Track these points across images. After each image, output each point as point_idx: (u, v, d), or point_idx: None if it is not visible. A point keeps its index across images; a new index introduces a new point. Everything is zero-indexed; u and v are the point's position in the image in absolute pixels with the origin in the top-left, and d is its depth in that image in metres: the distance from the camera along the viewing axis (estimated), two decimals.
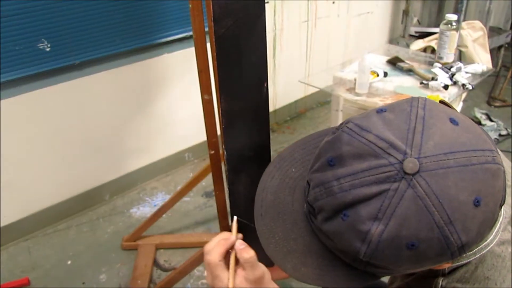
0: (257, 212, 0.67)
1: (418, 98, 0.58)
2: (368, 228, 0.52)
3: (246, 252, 0.70)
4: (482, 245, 0.64)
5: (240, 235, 0.75)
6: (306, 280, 0.62)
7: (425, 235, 0.51)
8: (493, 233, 0.64)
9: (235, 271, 0.71)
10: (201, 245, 2.28)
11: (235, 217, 0.79)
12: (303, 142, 0.72)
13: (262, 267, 0.71)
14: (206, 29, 1.53)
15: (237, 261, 0.72)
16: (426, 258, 0.54)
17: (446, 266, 0.58)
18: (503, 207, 0.67)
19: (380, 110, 0.58)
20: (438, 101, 0.62)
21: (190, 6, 1.47)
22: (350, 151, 0.55)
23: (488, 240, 0.63)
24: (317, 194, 0.57)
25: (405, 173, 0.51)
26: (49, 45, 2.11)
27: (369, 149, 0.53)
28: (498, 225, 0.65)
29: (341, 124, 0.60)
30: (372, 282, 0.61)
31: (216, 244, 0.72)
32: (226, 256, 0.73)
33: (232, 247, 0.73)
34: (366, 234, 0.53)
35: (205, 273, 2.15)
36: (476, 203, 0.52)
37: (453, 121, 0.55)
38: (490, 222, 0.56)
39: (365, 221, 0.52)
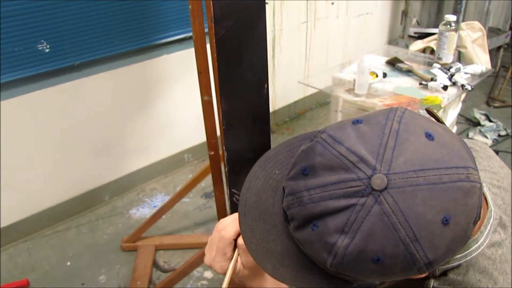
0: (241, 211, 0.67)
1: (396, 109, 0.58)
2: (334, 241, 0.53)
3: (241, 239, 0.72)
4: (472, 248, 0.64)
5: None
6: (284, 281, 0.63)
7: (390, 251, 0.51)
8: (483, 236, 0.64)
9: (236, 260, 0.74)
10: (200, 246, 2.28)
11: None
12: (288, 143, 0.73)
13: None
14: (206, 30, 1.53)
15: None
16: (392, 273, 0.54)
17: (420, 276, 0.58)
18: (492, 210, 0.68)
19: (356, 121, 0.57)
20: (425, 109, 0.61)
21: (190, 7, 1.47)
22: (322, 162, 0.55)
23: (478, 243, 0.63)
24: (289, 202, 0.58)
25: (373, 189, 0.51)
26: (48, 46, 2.11)
27: (340, 162, 0.53)
28: (489, 227, 0.65)
29: (318, 132, 0.60)
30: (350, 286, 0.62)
31: (233, 221, 0.73)
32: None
33: None
34: (333, 246, 0.53)
35: (207, 274, 2.15)
36: (445, 222, 0.51)
37: (429, 136, 0.54)
38: (461, 239, 0.55)
39: (332, 233, 0.53)
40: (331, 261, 0.54)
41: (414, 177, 0.51)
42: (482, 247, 0.64)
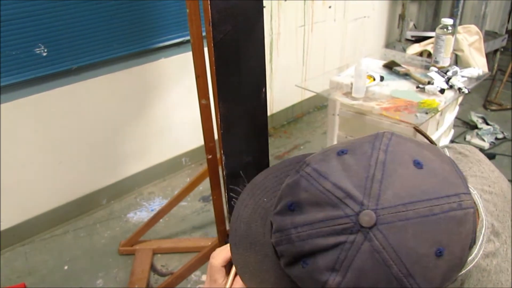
0: (232, 241, 0.66)
1: (382, 135, 0.56)
2: (326, 279, 0.51)
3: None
4: (467, 261, 0.62)
5: None
6: None
7: (383, 287, 0.50)
8: (477, 247, 0.63)
9: (234, 277, 0.73)
10: (198, 250, 2.27)
11: None
12: (275, 169, 0.71)
13: None
14: (204, 34, 1.53)
15: None
16: None
17: None
18: (484, 219, 0.66)
19: (341, 152, 0.55)
20: (413, 128, 0.60)
21: (188, 10, 1.47)
22: (308, 198, 0.54)
23: (472, 255, 0.62)
24: (278, 239, 0.57)
25: (362, 225, 0.49)
26: (46, 50, 2.11)
27: (326, 198, 0.52)
28: (481, 237, 0.63)
29: (302, 163, 0.59)
30: None
31: (223, 249, 0.73)
32: (228, 265, 0.73)
33: None
34: (324, 284, 0.52)
35: (204, 277, 2.15)
36: (438, 254, 0.50)
37: (417, 164, 0.53)
38: (457, 267, 0.54)
39: (323, 271, 0.52)
40: None
41: (403, 211, 0.49)
42: (477, 259, 0.63)
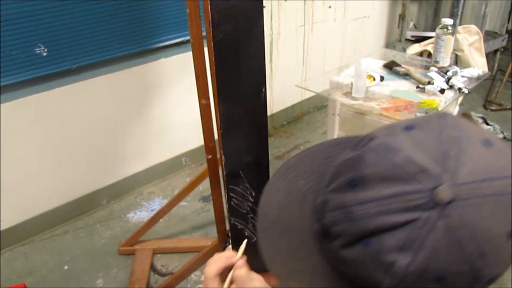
0: (260, 226, 0.62)
1: (446, 115, 0.53)
2: (393, 260, 0.48)
3: (238, 270, 0.71)
4: None
5: (245, 257, 0.75)
6: None
7: (455, 268, 0.47)
8: None
9: (230, 284, 0.72)
10: (198, 250, 2.27)
11: (245, 240, 0.79)
12: (311, 151, 0.67)
13: (252, 283, 0.71)
14: (204, 34, 1.53)
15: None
16: None
17: None
18: None
19: (408, 127, 0.52)
20: (462, 114, 0.59)
21: (188, 10, 1.47)
22: (375, 173, 0.50)
23: None
24: (335, 218, 0.53)
25: (437, 202, 0.47)
26: (45, 50, 2.11)
27: (396, 173, 0.49)
28: None
29: (362, 139, 0.55)
30: None
31: (217, 259, 0.72)
32: (224, 273, 0.72)
33: (232, 267, 0.73)
34: (391, 266, 0.48)
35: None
36: (511, 234, 0.48)
37: (486, 143, 0.50)
38: None
39: (390, 252, 0.48)
40: (389, 282, 0.49)
41: (479, 188, 0.47)
42: None
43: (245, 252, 0.75)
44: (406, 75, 2.13)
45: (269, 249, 0.61)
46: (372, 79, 2.04)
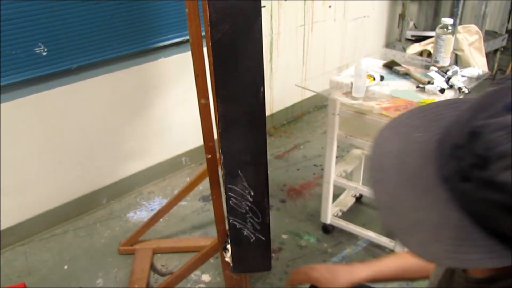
0: (375, 177, 0.59)
1: None
2: None
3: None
4: None
5: None
6: (435, 259, 0.55)
7: None
8: None
9: None
10: (198, 249, 2.27)
11: None
12: (420, 110, 0.65)
13: None
14: (203, 33, 1.53)
15: None
16: None
17: None
18: None
19: None
20: None
21: (187, 10, 1.47)
22: None
23: None
24: (500, 138, 0.49)
25: None
26: (45, 50, 2.11)
27: None
28: None
29: (503, 79, 0.55)
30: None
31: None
32: None
33: None
34: None
35: (204, 277, 2.15)
36: None
37: None
38: None
39: None
40: None
41: None
42: None
43: (245, 253, 0.76)
44: (406, 75, 2.13)
45: (386, 201, 0.58)
46: (372, 78, 2.03)
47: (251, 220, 0.85)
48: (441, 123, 0.60)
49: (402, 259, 1.07)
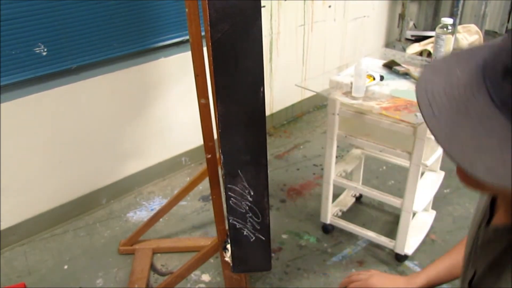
0: (428, 112, 0.59)
1: None
2: None
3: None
4: None
5: None
6: (504, 181, 0.53)
7: None
8: None
9: None
10: (198, 249, 2.27)
11: None
12: (453, 53, 0.67)
13: None
14: (203, 33, 1.53)
15: None
16: None
17: None
18: None
19: None
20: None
21: (187, 10, 1.47)
22: None
23: None
24: None
25: None
26: (45, 50, 2.11)
27: None
28: None
29: None
30: None
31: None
32: None
33: None
34: None
35: (204, 277, 2.15)
36: None
37: None
38: None
39: None
40: None
41: None
42: None
43: (245, 253, 0.76)
44: (406, 75, 2.13)
45: (445, 133, 0.58)
46: (372, 78, 2.04)
47: (251, 220, 0.85)
48: (477, 59, 0.60)
49: (449, 257, 1.08)
